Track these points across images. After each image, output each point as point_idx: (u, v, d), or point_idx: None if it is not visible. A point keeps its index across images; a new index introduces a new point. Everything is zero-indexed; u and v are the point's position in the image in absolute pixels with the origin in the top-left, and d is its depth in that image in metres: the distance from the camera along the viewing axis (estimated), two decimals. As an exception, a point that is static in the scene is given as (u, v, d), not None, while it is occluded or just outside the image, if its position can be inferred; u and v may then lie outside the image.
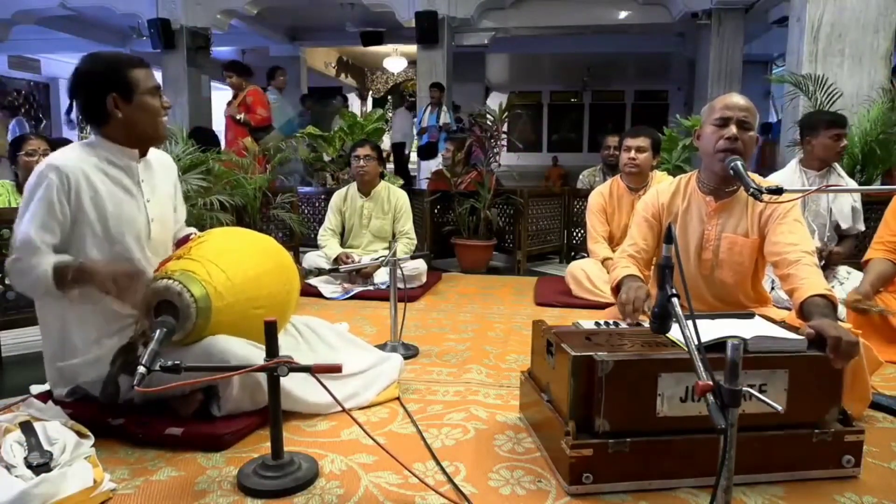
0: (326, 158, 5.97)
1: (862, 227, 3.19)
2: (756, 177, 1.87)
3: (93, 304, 1.73)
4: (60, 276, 1.63)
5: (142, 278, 1.69)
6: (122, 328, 1.77)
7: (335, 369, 1.48)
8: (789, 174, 3.20)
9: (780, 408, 1.08)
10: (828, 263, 3.01)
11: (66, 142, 4.83)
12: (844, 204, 3.16)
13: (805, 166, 3.16)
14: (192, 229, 2.13)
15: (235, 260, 1.82)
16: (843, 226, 3.16)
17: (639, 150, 3.49)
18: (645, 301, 1.79)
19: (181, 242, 1.97)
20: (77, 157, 1.73)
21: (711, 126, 1.92)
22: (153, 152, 1.92)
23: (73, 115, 1.78)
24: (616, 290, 1.98)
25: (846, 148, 3.09)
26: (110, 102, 1.72)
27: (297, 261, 4.28)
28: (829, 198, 3.16)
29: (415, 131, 7.36)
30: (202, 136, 5.53)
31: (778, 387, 1.47)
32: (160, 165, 1.95)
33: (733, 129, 1.86)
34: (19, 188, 3.30)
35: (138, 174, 1.84)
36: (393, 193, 3.99)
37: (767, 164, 5.20)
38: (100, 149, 1.78)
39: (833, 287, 2.80)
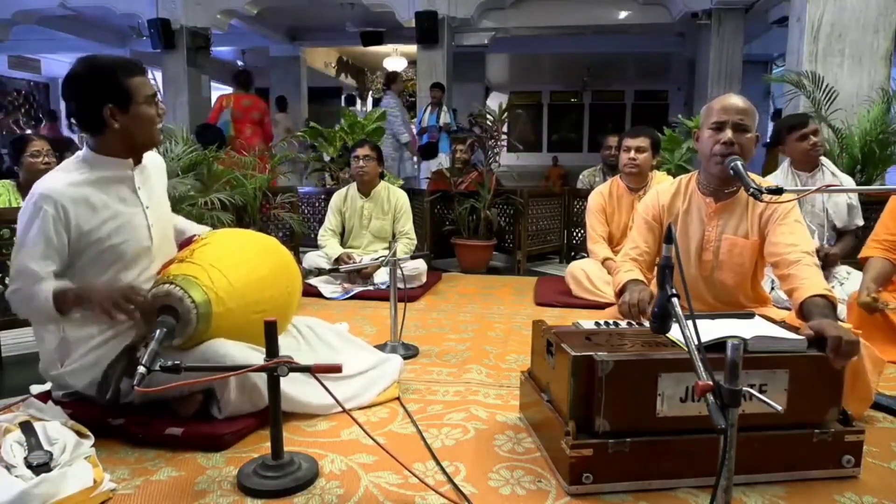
0: (326, 158, 5.98)
1: (860, 221, 3.19)
2: (756, 177, 1.87)
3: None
4: (61, 302, 1.63)
5: (139, 297, 1.66)
6: (120, 332, 1.77)
7: (335, 369, 1.48)
8: (781, 177, 3.21)
9: (779, 408, 1.08)
10: (825, 264, 3.01)
11: (67, 140, 4.85)
12: (840, 201, 3.16)
13: (795, 168, 3.18)
14: (197, 229, 2.13)
15: (237, 263, 1.81)
16: (839, 224, 3.17)
17: (638, 150, 3.49)
18: (649, 303, 1.79)
19: (184, 244, 1.96)
20: (70, 181, 1.70)
21: (708, 130, 1.91)
22: (145, 154, 1.91)
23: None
24: (620, 294, 1.98)
25: (820, 144, 3.09)
26: (106, 113, 1.69)
27: (298, 261, 4.28)
28: (824, 196, 3.16)
29: (415, 131, 7.36)
30: (209, 133, 5.49)
31: (778, 387, 1.47)
32: (153, 167, 1.95)
33: (729, 134, 1.85)
34: (20, 188, 3.30)
35: (135, 183, 1.83)
36: (393, 193, 3.99)
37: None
38: (93, 164, 1.76)
39: (833, 287, 2.81)
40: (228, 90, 6.26)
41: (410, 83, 13.23)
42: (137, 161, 1.84)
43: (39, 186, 1.67)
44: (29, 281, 1.64)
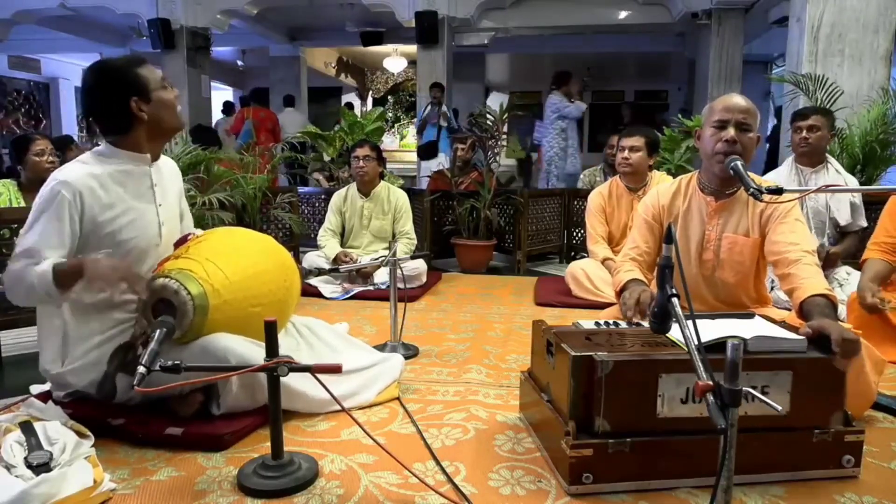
0: (326, 158, 6.00)
1: (864, 223, 3.19)
2: (756, 177, 1.87)
3: (93, 304, 1.73)
4: (60, 275, 1.59)
5: (140, 281, 1.64)
6: (122, 331, 1.77)
7: (335, 369, 1.48)
8: (785, 172, 3.21)
9: (779, 408, 1.08)
10: (826, 264, 3.01)
11: (68, 139, 4.85)
12: (842, 200, 3.16)
13: (798, 163, 3.18)
14: (193, 229, 2.14)
15: (234, 258, 1.83)
16: (842, 222, 3.16)
17: (632, 149, 3.49)
18: (650, 303, 1.79)
19: (180, 242, 1.97)
20: (89, 171, 1.72)
21: (710, 128, 1.92)
22: (162, 158, 1.94)
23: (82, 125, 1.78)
24: (621, 294, 1.98)
25: (810, 139, 3.10)
26: (134, 106, 1.73)
27: (297, 261, 4.28)
28: (827, 194, 3.16)
29: (414, 130, 7.37)
30: (203, 134, 5.63)
31: (781, 389, 1.46)
32: (168, 171, 1.97)
33: (731, 132, 1.86)
34: (21, 187, 3.29)
35: (152, 178, 1.85)
36: (393, 193, 3.99)
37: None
38: (112, 158, 1.78)
39: (833, 288, 2.80)
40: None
41: (410, 83, 13.24)
42: (155, 157, 1.87)
43: (59, 174, 1.69)
44: (31, 261, 1.61)
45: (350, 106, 10.15)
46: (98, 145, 1.82)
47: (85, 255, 1.70)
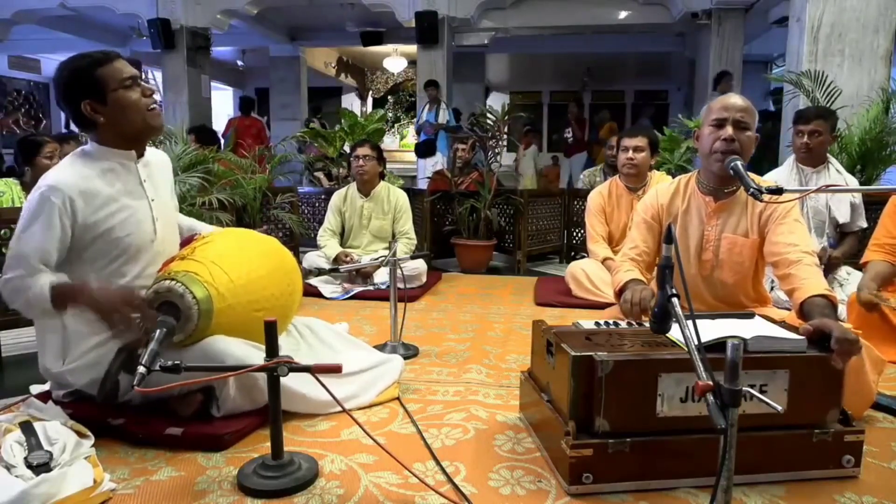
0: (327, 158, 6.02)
1: (864, 223, 3.19)
2: (755, 176, 1.87)
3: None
4: (57, 297, 1.60)
5: (143, 307, 1.62)
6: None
7: (335, 369, 1.48)
8: (785, 171, 3.21)
9: (780, 408, 1.08)
10: (828, 267, 3.01)
11: (69, 135, 4.85)
12: (842, 200, 3.16)
13: (799, 163, 3.18)
14: (204, 228, 2.13)
15: (238, 262, 1.82)
16: (841, 221, 3.16)
17: (636, 149, 3.49)
18: (650, 301, 1.79)
19: (186, 242, 1.96)
20: (76, 173, 1.70)
21: (709, 127, 1.92)
22: (149, 151, 1.91)
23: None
24: (620, 294, 1.98)
25: (811, 144, 3.09)
26: (86, 109, 1.69)
27: (297, 261, 4.28)
28: (827, 194, 3.16)
29: (412, 130, 7.37)
30: (204, 134, 5.65)
31: (778, 387, 1.47)
32: (158, 163, 1.95)
33: (729, 131, 1.86)
34: (24, 186, 3.30)
35: (140, 175, 1.83)
36: (393, 193, 4.00)
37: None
38: (97, 156, 1.76)
39: (833, 288, 2.81)
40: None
41: (410, 83, 13.25)
42: (140, 153, 1.84)
43: (47, 178, 1.67)
44: (26, 271, 1.61)
45: (317, 110, 10.11)
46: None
47: (84, 269, 1.70)
